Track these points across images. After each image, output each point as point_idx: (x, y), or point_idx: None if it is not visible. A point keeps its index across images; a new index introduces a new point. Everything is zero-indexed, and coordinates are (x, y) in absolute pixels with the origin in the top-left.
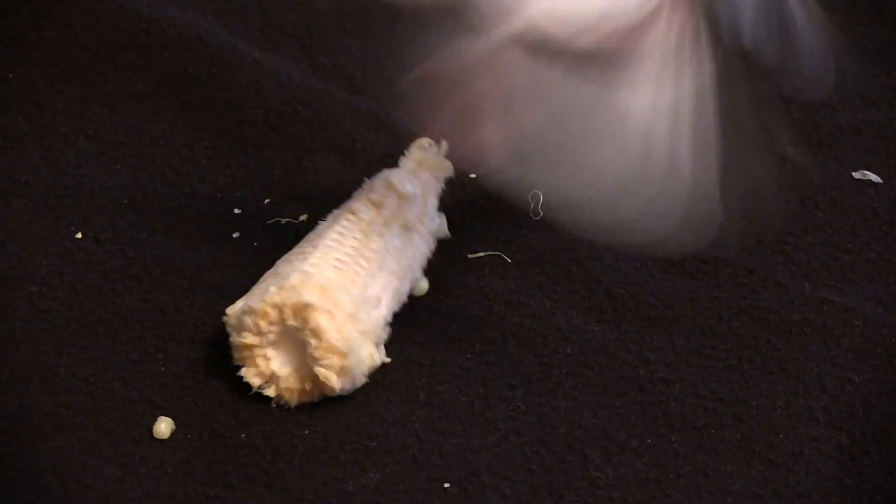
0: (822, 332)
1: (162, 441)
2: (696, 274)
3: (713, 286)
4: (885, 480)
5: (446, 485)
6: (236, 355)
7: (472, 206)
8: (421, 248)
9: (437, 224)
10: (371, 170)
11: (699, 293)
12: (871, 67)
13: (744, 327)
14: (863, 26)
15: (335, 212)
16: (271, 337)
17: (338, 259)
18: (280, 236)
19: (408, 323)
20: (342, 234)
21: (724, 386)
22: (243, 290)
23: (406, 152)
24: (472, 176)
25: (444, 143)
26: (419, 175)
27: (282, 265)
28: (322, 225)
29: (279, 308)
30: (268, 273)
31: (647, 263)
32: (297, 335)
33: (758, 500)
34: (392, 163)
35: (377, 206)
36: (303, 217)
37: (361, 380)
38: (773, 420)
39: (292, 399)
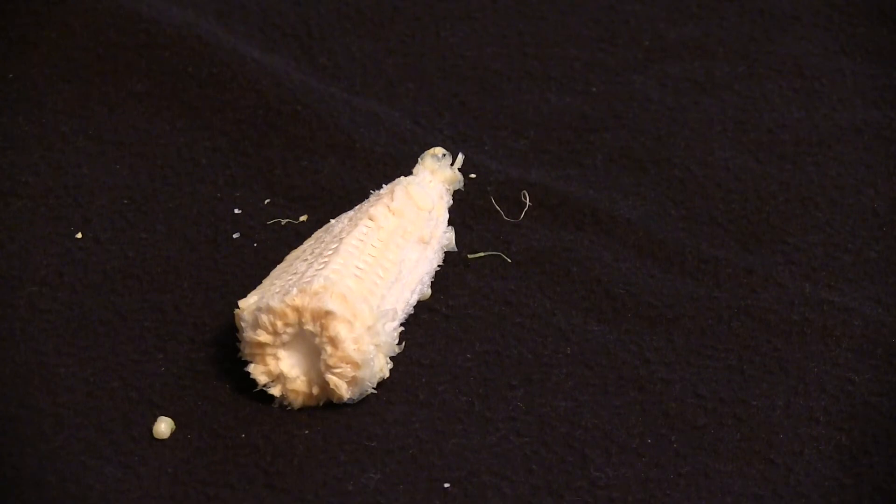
0: (822, 332)
1: (162, 441)
2: (696, 274)
3: (713, 286)
4: (885, 480)
5: (446, 485)
6: (246, 351)
7: (472, 206)
8: (433, 263)
9: (448, 238)
10: (371, 170)
11: (699, 293)
12: (871, 67)
13: (744, 327)
14: (863, 26)
15: (349, 213)
16: (285, 338)
17: (357, 267)
18: (280, 236)
19: (408, 323)
20: (362, 241)
21: (724, 386)
22: (243, 289)
23: (420, 160)
24: (472, 176)
25: (460, 155)
26: (434, 186)
27: (298, 263)
28: (336, 225)
29: (299, 311)
30: (280, 269)
31: (647, 263)
32: (312, 340)
33: (758, 500)
34: (391, 163)
35: (397, 215)
36: (303, 217)
37: (369, 390)
38: (773, 420)
39: (297, 401)
